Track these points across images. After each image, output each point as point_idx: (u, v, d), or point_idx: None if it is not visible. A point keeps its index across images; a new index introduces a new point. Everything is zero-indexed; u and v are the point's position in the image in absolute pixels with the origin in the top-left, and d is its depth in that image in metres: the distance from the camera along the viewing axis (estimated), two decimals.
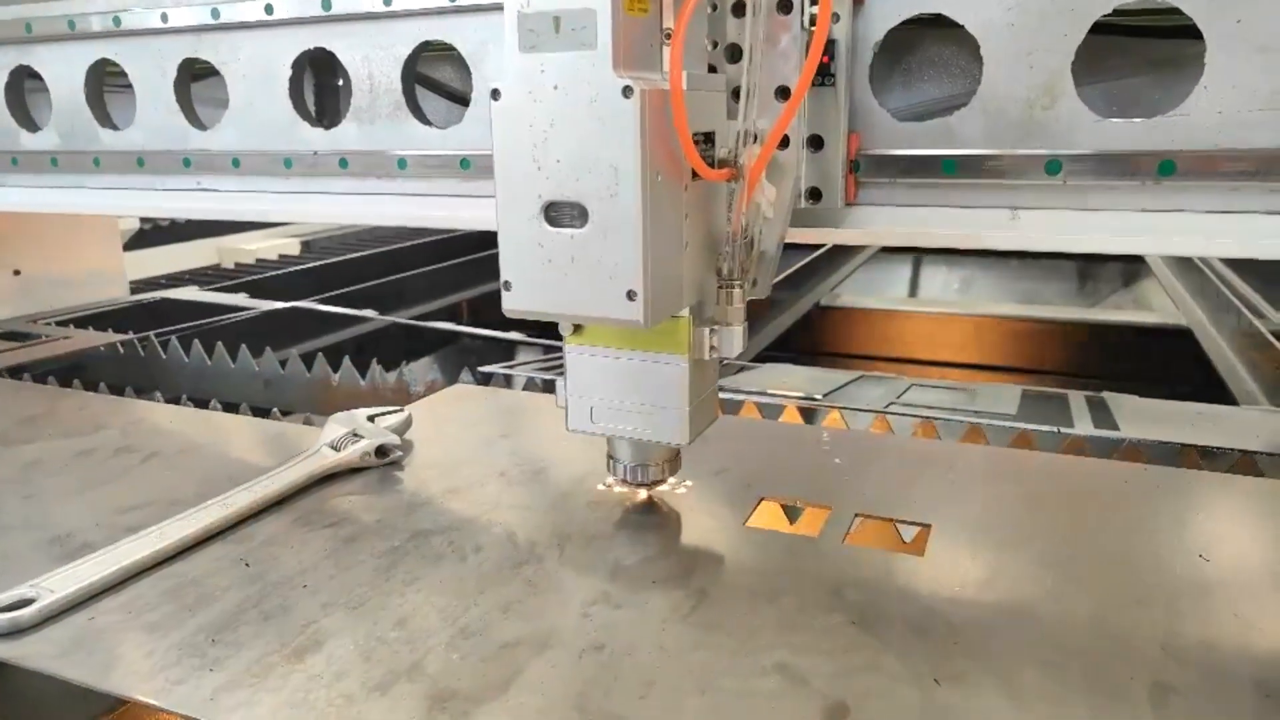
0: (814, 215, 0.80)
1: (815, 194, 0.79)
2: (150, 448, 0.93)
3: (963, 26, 0.75)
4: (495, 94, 0.61)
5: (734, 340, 0.69)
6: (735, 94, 0.72)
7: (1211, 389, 1.65)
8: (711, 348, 0.68)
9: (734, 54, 0.74)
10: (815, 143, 0.78)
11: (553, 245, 0.62)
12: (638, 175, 0.58)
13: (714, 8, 0.73)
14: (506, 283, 0.64)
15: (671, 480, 0.77)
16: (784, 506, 0.79)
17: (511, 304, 0.65)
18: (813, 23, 0.72)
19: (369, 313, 1.81)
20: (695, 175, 0.63)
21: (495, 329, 1.68)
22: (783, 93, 0.74)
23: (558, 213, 0.61)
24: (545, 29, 0.59)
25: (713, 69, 0.74)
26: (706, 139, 0.65)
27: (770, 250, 0.72)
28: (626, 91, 0.57)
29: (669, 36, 0.62)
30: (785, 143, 0.75)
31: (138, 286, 2.00)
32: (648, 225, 0.59)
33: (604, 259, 0.60)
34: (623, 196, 0.59)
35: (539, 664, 0.56)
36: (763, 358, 1.84)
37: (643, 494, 0.79)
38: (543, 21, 0.59)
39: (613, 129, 0.58)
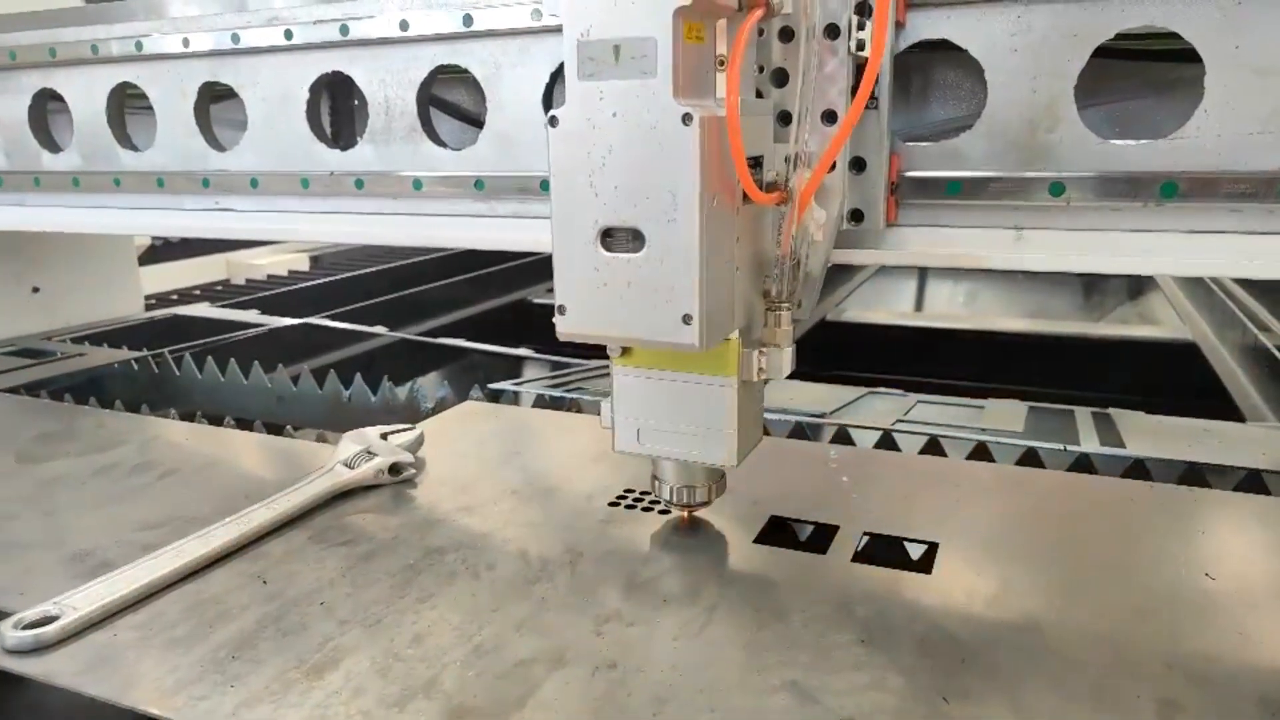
0: (856, 236, 0.81)
1: (857, 215, 0.80)
2: (167, 465, 0.95)
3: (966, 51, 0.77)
4: (553, 120, 0.62)
5: (783, 362, 0.69)
6: (781, 118, 0.73)
7: (1217, 404, 1.66)
8: (760, 369, 0.69)
9: (780, 78, 0.74)
10: (857, 165, 0.79)
11: (608, 269, 0.62)
12: (696, 200, 0.59)
13: (761, 33, 0.73)
14: (561, 306, 0.65)
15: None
16: (792, 524, 0.79)
17: (566, 327, 0.65)
18: (860, 47, 0.73)
19: (379, 329, 1.82)
20: (745, 199, 0.64)
21: (502, 344, 1.70)
22: (829, 116, 0.75)
23: (614, 237, 0.62)
24: (605, 57, 0.60)
25: (759, 93, 0.75)
26: (755, 163, 0.65)
27: (815, 272, 0.73)
28: (686, 119, 0.58)
29: (722, 63, 0.63)
30: (832, 166, 0.76)
31: (150, 302, 2.02)
32: (704, 249, 0.60)
33: (660, 283, 0.61)
34: (681, 221, 0.60)
35: (553, 681, 0.57)
36: None
37: (657, 512, 0.79)
38: (602, 50, 0.60)
39: (672, 155, 0.59)
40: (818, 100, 0.74)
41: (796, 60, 0.70)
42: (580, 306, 0.64)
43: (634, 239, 0.61)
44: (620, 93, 0.60)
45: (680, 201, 0.59)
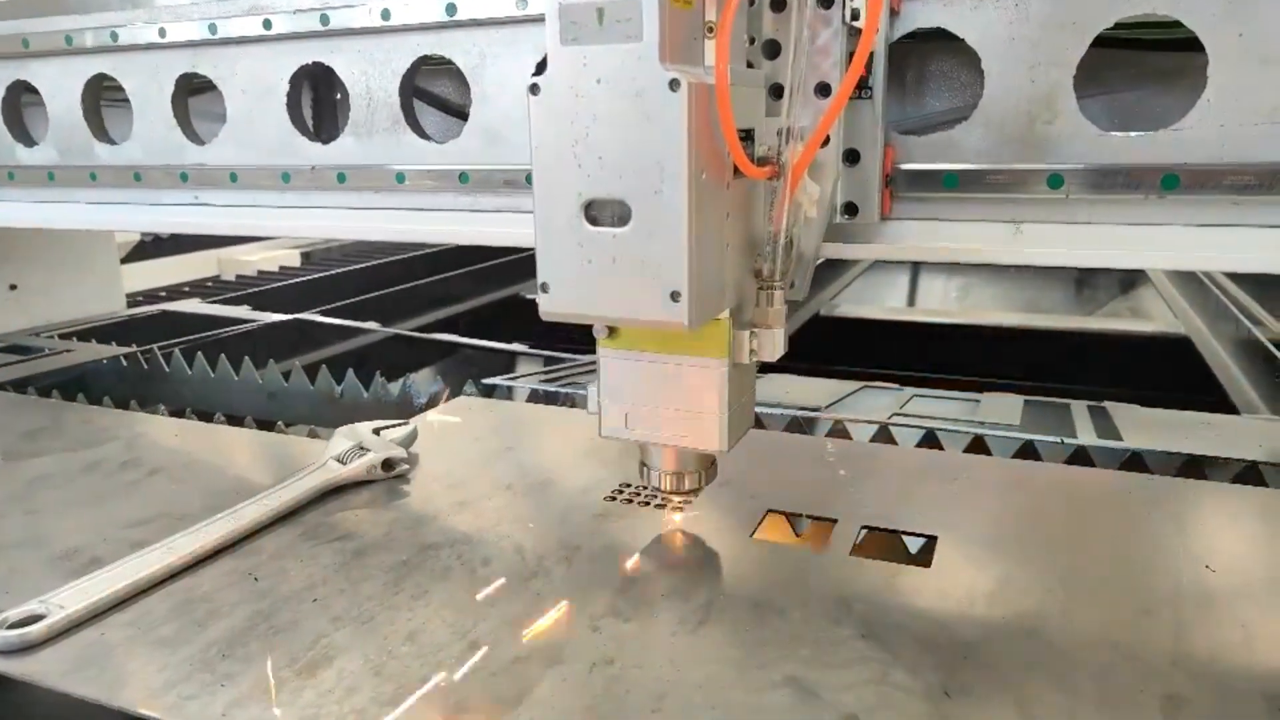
0: (851, 230, 0.80)
1: (851, 209, 0.78)
2: (156, 462, 0.93)
3: (963, 40, 0.76)
4: (534, 89, 0.59)
5: (775, 343, 0.67)
6: (773, 91, 0.71)
7: (1211, 398, 1.66)
8: (751, 351, 0.67)
9: (772, 50, 0.72)
10: (851, 157, 0.77)
11: (593, 245, 0.60)
12: (685, 172, 0.56)
13: (752, 2, 0.71)
14: (544, 284, 0.62)
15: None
16: (790, 519, 0.79)
17: (549, 306, 0.62)
18: (854, 17, 0.71)
19: (371, 324, 1.81)
20: (736, 173, 0.61)
21: (495, 340, 1.69)
22: (822, 89, 0.73)
23: (599, 211, 0.59)
24: (588, 20, 0.57)
25: (750, 65, 0.72)
26: (746, 136, 0.63)
27: (809, 251, 0.71)
28: (674, 85, 0.55)
29: (711, 30, 0.61)
30: (825, 140, 0.74)
31: (140, 299, 2.00)
32: (693, 224, 0.57)
33: (647, 259, 0.58)
34: (668, 194, 0.57)
35: (551, 678, 0.56)
36: (764, 368, 1.84)
37: (653, 506, 0.78)
38: (585, 13, 0.57)
39: (659, 124, 0.56)
40: (811, 73, 0.72)
41: (789, 31, 0.67)
42: (564, 285, 0.61)
43: (620, 213, 0.59)
44: (604, 58, 0.57)
45: (668, 173, 0.56)
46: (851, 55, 0.65)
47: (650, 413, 0.69)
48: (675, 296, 0.58)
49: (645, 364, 0.68)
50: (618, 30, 0.56)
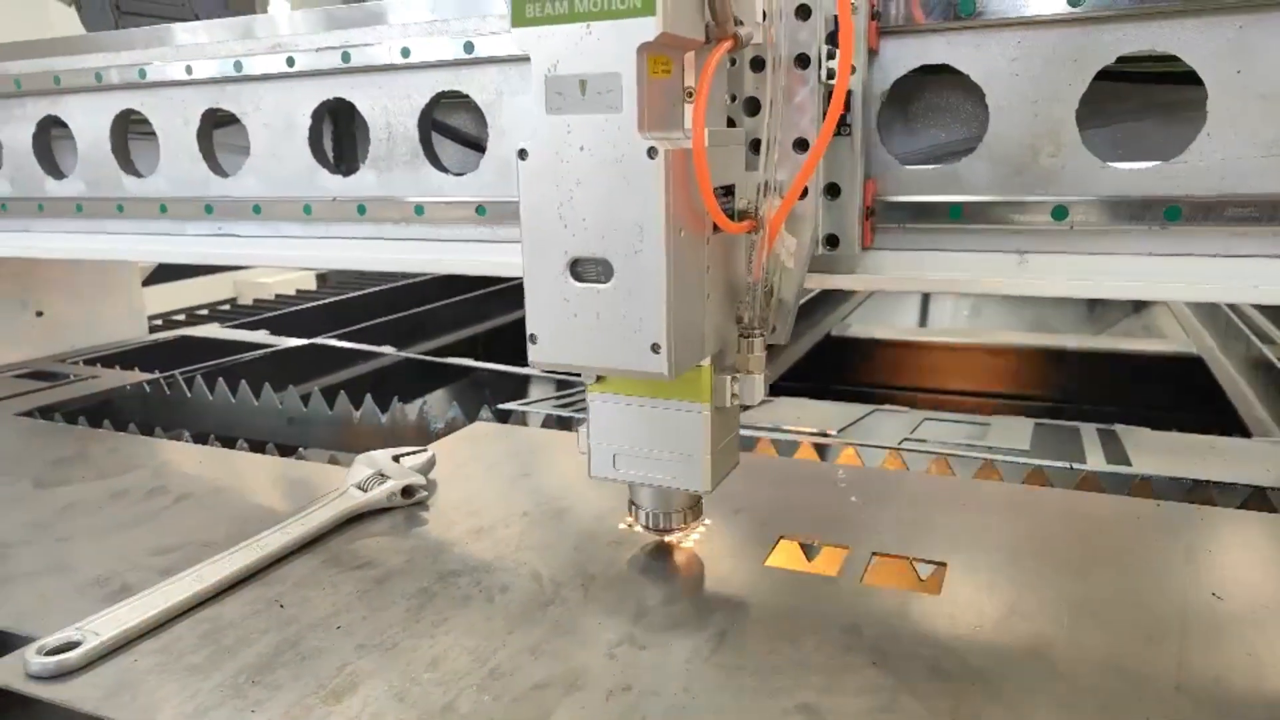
0: (831, 262, 0.82)
1: (832, 241, 0.80)
2: (182, 489, 0.96)
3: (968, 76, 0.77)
4: (523, 154, 0.62)
5: (755, 388, 0.70)
6: (754, 146, 0.74)
7: (1222, 417, 1.66)
8: (733, 395, 0.70)
9: (752, 107, 0.75)
10: (832, 190, 0.79)
11: (578, 300, 0.63)
12: (662, 233, 0.60)
13: (733, 62, 0.75)
14: (533, 335, 0.66)
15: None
16: (802, 545, 0.80)
17: (538, 356, 0.66)
18: (830, 76, 0.74)
19: (386, 349, 1.83)
20: (716, 228, 0.65)
21: (508, 363, 1.71)
22: (801, 144, 0.76)
23: (583, 268, 0.63)
24: (572, 92, 0.60)
25: (731, 122, 0.76)
26: (726, 192, 0.66)
27: (789, 299, 0.74)
28: (651, 153, 0.59)
29: (690, 94, 0.64)
30: (804, 193, 0.76)
31: (156, 323, 2.03)
32: (671, 280, 0.60)
33: (628, 313, 0.62)
34: (647, 253, 0.60)
35: (569, 705, 0.58)
36: (776, 390, 1.86)
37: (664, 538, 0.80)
38: (569, 85, 0.60)
39: (638, 188, 0.60)
40: (789, 129, 0.75)
41: (767, 90, 0.71)
42: (552, 336, 0.65)
43: (603, 270, 0.62)
44: (587, 127, 0.60)
45: (646, 234, 0.60)
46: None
47: (637, 454, 0.72)
48: (655, 348, 0.62)
49: (632, 408, 0.71)
50: (599, 101, 0.60)
